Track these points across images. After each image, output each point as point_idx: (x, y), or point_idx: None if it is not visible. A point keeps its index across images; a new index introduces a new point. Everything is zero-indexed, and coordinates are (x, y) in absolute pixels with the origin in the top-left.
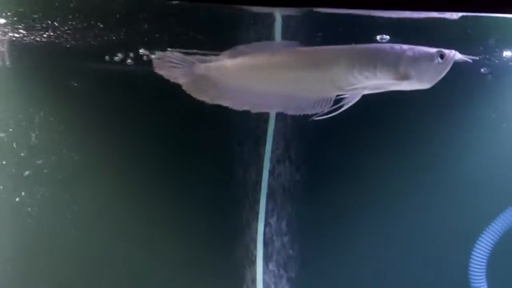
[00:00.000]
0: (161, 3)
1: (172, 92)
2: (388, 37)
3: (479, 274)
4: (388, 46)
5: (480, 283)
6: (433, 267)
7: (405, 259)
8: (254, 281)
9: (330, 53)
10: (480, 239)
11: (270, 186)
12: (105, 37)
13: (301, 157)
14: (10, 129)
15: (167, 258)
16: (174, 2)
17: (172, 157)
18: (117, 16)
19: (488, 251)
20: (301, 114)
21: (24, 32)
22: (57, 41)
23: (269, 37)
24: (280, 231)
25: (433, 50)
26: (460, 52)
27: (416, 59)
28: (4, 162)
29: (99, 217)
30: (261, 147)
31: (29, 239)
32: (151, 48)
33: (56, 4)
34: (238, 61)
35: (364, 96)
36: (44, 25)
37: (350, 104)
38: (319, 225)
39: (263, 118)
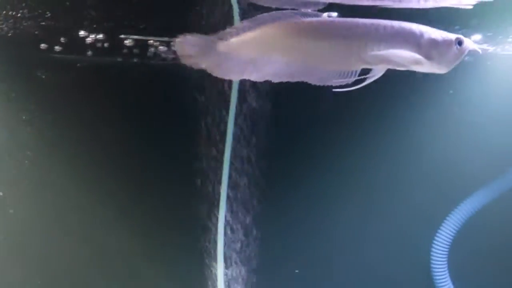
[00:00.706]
0: None
1: (131, 86)
2: (336, 13)
3: (441, 266)
4: (412, 25)
5: (442, 275)
6: (389, 260)
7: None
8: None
9: (358, 25)
10: (440, 231)
11: (230, 181)
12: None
13: (261, 154)
14: None
15: (122, 254)
16: None
17: (129, 151)
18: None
19: (448, 244)
20: (324, 84)
21: None
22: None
23: (227, 19)
24: (240, 223)
25: (452, 36)
26: None
27: (437, 42)
28: None
29: (56, 211)
30: (221, 142)
31: None
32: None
33: None
34: (261, 32)
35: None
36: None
37: (372, 79)
38: (280, 220)
39: (223, 113)
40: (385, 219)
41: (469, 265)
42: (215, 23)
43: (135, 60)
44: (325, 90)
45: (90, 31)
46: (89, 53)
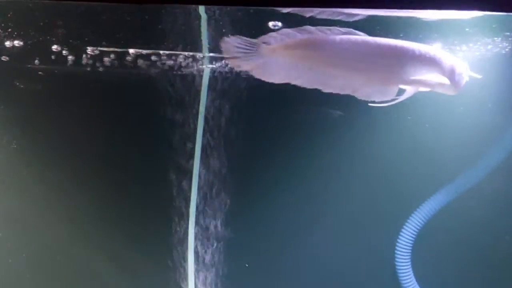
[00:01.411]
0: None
1: (108, 92)
2: (280, 23)
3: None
4: (431, 49)
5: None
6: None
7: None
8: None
9: (400, 47)
10: (404, 227)
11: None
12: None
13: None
14: None
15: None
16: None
17: (106, 155)
18: (45, 21)
19: (412, 239)
20: (368, 99)
21: None
22: None
23: (196, 32)
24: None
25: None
26: None
27: (456, 67)
28: None
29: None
30: (190, 146)
31: None
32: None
33: None
34: (304, 43)
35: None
36: None
37: (405, 97)
38: (247, 214)
39: (193, 119)
40: (348, 221)
41: (432, 261)
42: (181, 34)
43: (100, 69)
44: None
45: (63, 44)
46: (64, 64)
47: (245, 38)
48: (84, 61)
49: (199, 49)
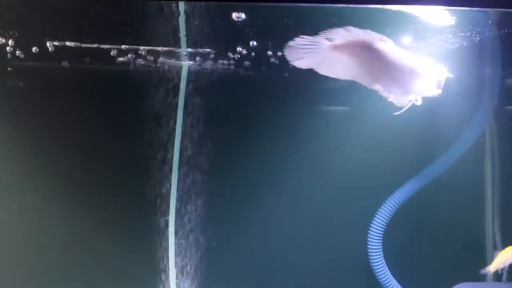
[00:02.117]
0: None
1: (98, 94)
2: (243, 15)
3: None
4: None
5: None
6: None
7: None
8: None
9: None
10: (372, 225)
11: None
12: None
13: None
14: None
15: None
16: None
17: (95, 157)
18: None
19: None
20: (399, 102)
21: None
22: None
23: (174, 28)
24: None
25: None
26: None
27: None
28: None
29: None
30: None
31: None
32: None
33: None
34: (356, 41)
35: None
36: None
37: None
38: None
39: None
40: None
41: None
42: (161, 33)
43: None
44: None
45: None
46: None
47: (308, 37)
48: (63, 57)
49: (178, 44)
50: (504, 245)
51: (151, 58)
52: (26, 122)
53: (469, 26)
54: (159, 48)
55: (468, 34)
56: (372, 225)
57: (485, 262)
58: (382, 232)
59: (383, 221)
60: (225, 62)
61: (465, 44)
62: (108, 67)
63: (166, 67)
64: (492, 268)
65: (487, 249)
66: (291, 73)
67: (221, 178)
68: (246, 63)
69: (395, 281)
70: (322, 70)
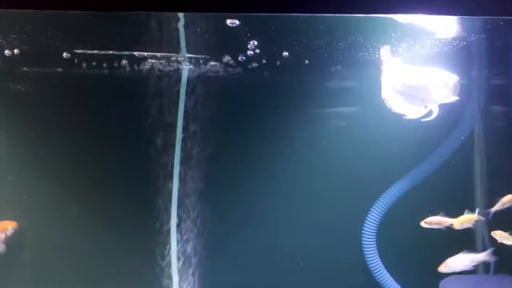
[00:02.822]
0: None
1: (92, 92)
2: (237, 21)
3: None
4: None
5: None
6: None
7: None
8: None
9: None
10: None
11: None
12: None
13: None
14: None
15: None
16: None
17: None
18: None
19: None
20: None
21: None
22: None
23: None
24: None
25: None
26: None
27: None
28: None
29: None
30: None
31: None
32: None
33: None
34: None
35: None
36: None
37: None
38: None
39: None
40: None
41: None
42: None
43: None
44: None
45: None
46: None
47: None
48: (71, 64)
49: (177, 51)
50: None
51: (153, 62)
52: (42, 124)
53: (454, 31)
54: (159, 54)
55: (454, 39)
56: (366, 220)
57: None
58: (376, 228)
59: (377, 217)
60: (224, 66)
61: (451, 48)
62: (111, 72)
63: (167, 71)
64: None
65: (476, 243)
66: (290, 75)
67: (222, 176)
68: (246, 66)
69: (387, 272)
70: None
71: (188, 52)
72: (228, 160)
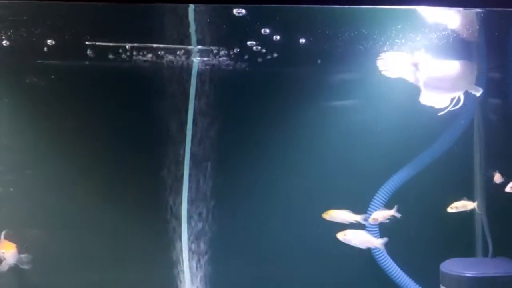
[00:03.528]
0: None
1: (103, 84)
2: (243, 10)
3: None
4: None
5: None
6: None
7: None
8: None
9: None
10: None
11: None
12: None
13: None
14: None
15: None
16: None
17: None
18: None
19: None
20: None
21: None
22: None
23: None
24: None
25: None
26: None
27: None
28: None
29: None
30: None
31: None
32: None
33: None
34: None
35: None
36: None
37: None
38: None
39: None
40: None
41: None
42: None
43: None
44: None
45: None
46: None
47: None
48: (83, 56)
49: (188, 43)
50: (490, 224)
51: (163, 55)
52: (59, 118)
53: (456, 23)
54: (171, 46)
55: (455, 31)
56: (369, 207)
57: (474, 240)
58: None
59: (380, 204)
60: (232, 58)
61: (451, 40)
62: (120, 64)
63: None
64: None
65: (475, 229)
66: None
67: (230, 170)
68: (254, 59)
69: (390, 258)
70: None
71: (198, 44)
72: (238, 152)
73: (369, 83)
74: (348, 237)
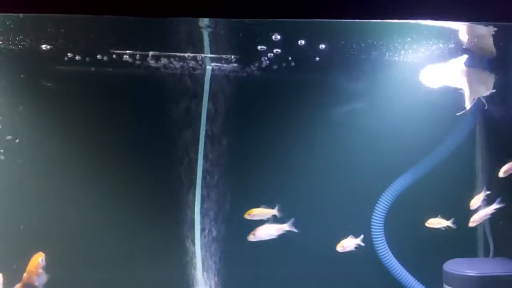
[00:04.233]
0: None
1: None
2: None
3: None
4: None
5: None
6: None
7: None
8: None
9: None
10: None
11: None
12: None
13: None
14: None
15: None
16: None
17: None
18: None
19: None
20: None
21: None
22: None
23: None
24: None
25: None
26: None
27: None
28: None
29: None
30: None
31: None
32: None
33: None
34: None
35: None
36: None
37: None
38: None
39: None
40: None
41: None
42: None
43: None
44: None
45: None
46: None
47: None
48: (100, 63)
49: (202, 51)
50: (492, 225)
51: (179, 63)
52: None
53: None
54: (186, 54)
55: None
56: (375, 210)
57: (476, 241)
58: (384, 216)
59: (385, 207)
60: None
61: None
62: (135, 71)
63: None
64: None
65: (477, 230)
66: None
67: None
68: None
69: (393, 257)
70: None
71: (211, 52)
72: (249, 152)
73: (380, 90)
74: (258, 234)
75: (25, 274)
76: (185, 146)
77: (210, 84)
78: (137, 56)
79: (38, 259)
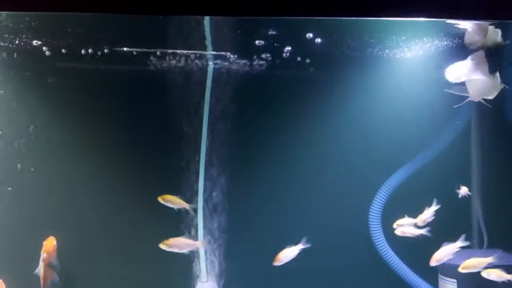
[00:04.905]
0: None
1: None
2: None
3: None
4: None
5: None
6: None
7: None
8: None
9: None
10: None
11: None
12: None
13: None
14: None
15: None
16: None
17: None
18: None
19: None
20: None
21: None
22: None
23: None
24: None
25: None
26: None
27: None
28: None
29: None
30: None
31: None
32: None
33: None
34: None
35: None
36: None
37: None
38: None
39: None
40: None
41: None
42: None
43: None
44: None
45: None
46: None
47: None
48: (102, 60)
49: (204, 48)
50: (485, 218)
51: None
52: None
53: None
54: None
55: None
56: (372, 204)
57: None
58: (381, 210)
59: (382, 201)
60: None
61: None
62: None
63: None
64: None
65: (472, 221)
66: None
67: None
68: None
69: (390, 249)
70: None
71: (214, 50)
72: (252, 148)
73: (380, 87)
74: (170, 244)
75: (44, 255)
76: (189, 141)
77: (212, 81)
78: (137, 53)
79: (53, 241)
